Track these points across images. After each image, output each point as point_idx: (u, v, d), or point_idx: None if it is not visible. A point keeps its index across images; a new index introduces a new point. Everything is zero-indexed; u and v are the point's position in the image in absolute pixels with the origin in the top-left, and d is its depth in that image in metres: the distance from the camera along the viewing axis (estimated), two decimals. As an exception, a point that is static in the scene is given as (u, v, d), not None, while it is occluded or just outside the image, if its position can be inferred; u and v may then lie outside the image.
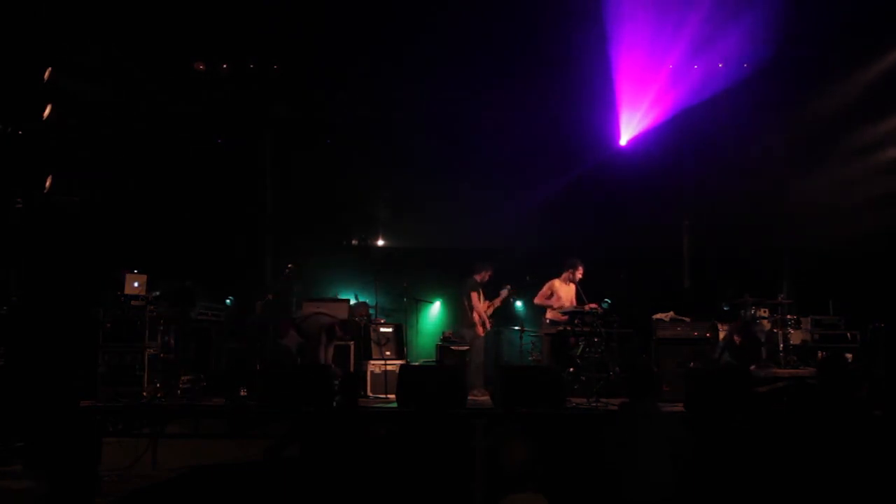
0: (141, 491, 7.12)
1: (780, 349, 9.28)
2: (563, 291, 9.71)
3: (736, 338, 8.86)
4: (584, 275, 9.70)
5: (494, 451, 3.06)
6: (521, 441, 3.10)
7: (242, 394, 7.83)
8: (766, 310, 9.61)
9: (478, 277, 9.84)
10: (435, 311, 11.81)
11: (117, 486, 7.16)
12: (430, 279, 11.39)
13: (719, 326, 9.35)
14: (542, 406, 7.04)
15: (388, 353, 9.88)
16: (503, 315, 10.86)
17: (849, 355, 8.99)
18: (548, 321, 9.71)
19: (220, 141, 11.87)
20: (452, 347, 9.70)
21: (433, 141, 11.53)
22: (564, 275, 9.76)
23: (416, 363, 10.10)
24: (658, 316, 9.50)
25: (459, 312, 9.96)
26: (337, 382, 7.46)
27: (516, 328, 10.34)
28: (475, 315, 9.68)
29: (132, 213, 10.12)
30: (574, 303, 9.61)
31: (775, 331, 9.43)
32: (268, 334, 9.53)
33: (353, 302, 10.32)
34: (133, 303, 7.99)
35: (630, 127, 11.54)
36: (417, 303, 11.03)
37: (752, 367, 8.44)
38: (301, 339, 9.15)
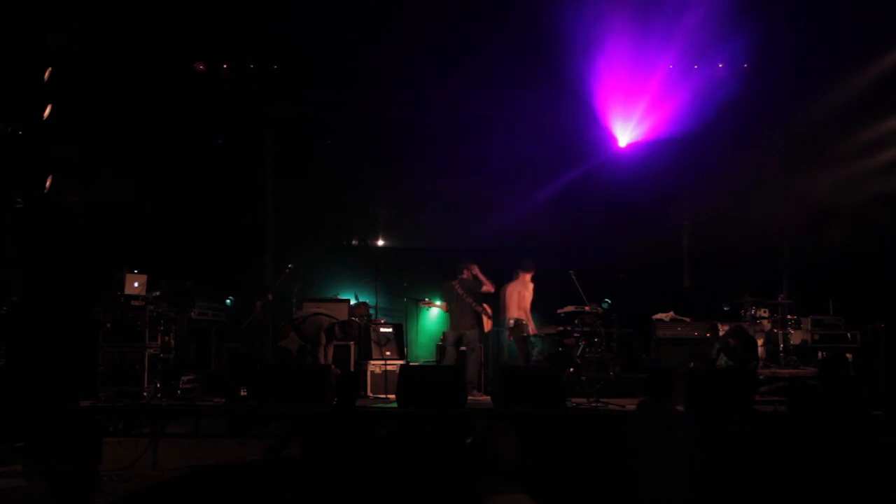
0: (141, 491, 7.12)
1: (780, 349, 9.29)
2: (507, 292, 9.76)
3: (731, 340, 8.86)
4: (582, 275, 9.67)
5: (479, 449, 3.02)
6: (506, 440, 3.07)
7: (242, 394, 7.83)
8: (766, 310, 9.61)
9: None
10: (435, 311, 11.79)
11: (117, 486, 7.16)
12: (430, 279, 11.39)
13: (719, 326, 9.35)
14: (542, 406, 7.03)
15: (388, 353, 9.88)
16: (503, 315, 10.85)
17: (849, 355, 8.99)
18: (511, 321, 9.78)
19: (220, 141, 11.87)
20: (461, 348, 9.62)
21: (433, 141, 11.52)
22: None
23: (416, 363, 10.09)
24: (658, 316, 9.52)
25: (461, 313, 9.66)
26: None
27: (516, 328, 10.33)
28: (484, 313, 9.67)
29: (132, 213, 10.11)
30: (519, 305, 9.63)
31: (775, 331, 9.44)
32: (267, 335, 9.54)
33: (353, 302, 10.32)
34: (133, 303, 7.99)
35: (630, 128, 11.54)
36: (417, 303, 11.03)
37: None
38: (301, 340, 9.16)
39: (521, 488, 3.03)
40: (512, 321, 9.68)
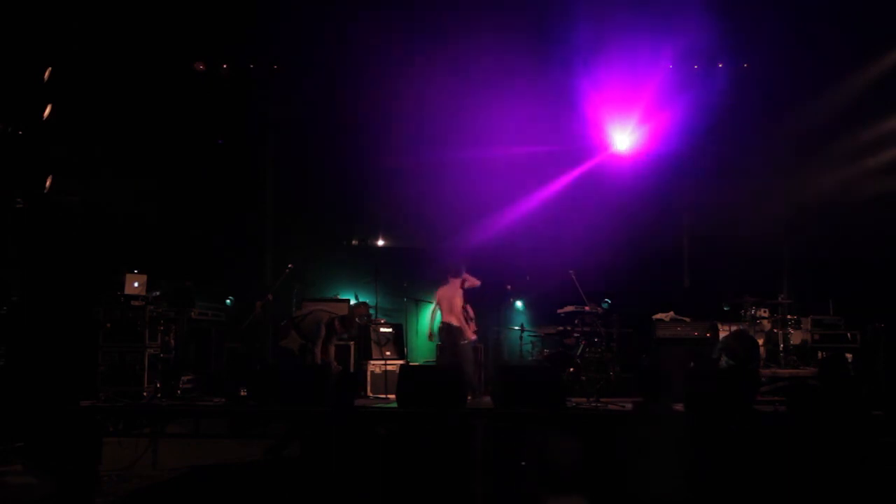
0: (141, 491, 7.12)
1: (780, 349, 9.29)
2: (437, 296, 9.65)
3: (732, 344, 8.85)
4: (581, 275, 9.68)
5: (543, 452, 2.98)
6: (570, 445, 3.01)
7: (242, 394, 7.83)
8: (766, 310, 9.61)
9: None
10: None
11: (117, 486, 7.16)
12: (430, 279, 11.38)
13: (719, 326, 9.35)
14: (542, 406, 7.03)
15: (388, 353, 9.89)
16: (503, 315, 10.86)
17: (849, 355, 8.99)
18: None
19: (220, 141, 11.87)
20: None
21: (434, 140, 11.51)
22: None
23: (416, 363, 10.10)
24: (658, 316, 9.51)
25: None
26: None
27: (516, 328, 10.34)
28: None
29: (132, 213, 10.10)
30: (451, 310, 9.47)
31: (775, 331, 9.43)
32: (267, 335, 9.54)
33: (353, 302, 10.33)
34: (133, 303, 7.99)
35: (630, 129, 11.53)
36: (417, 303, 11.03)
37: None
38: (301, 338, 9.16)
39: (579, 491, 2.97)
40: (443, 325, 9.51)
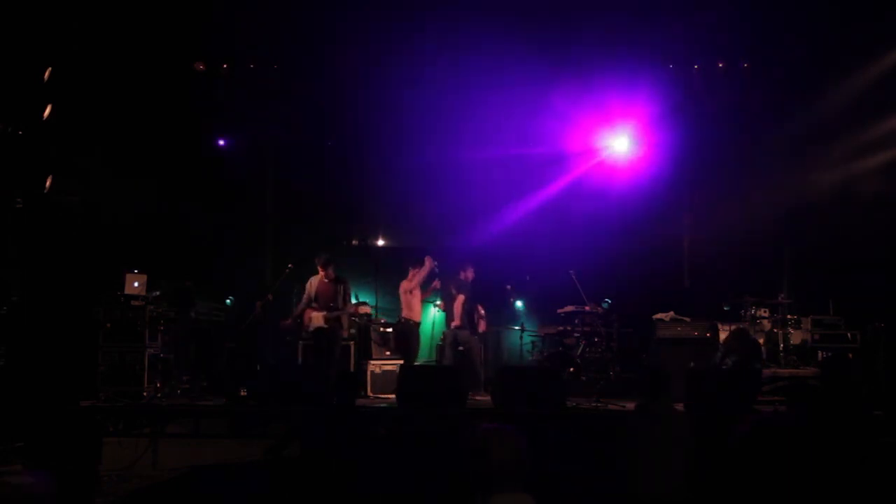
0: (141, 491, 7.11)
1: (780, 349, 9.29)
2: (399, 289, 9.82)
3: (734, 344, 8.86)
4: (581, 275, 9.70)
5: (484, 448, 3.00)
6: (511, 439, 3.05)
7: (242, 394, 7.83)
8: (766, 310, 9.61)
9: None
10: (434, 311, 11.77)
11: (117, 486, 7.16)
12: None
13: (719, 326, 9.34)
14: (542, 406, 7.03)
15: (387, 353, 9.89)
16: (503, 315, 10.86)
17: (849, 355, 8.99)
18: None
19: (220, 142, 11.86)
20: (459, 348, 9.66)
21: (434, 141, 11.50)
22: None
23: (417, 363, 10.10)
24: (658, 316, 9.51)
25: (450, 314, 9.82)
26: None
27: (516, 328, 10.33)
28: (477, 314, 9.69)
29: (132, 213, 10.10)
30: (406, 304, 9.66)
31: (775, 331, 9.44)
32: (268, 335, 9.55)
33: (353, 302, 10.32)
34: (133, 303, 7.99)
35: (630, 129, 11.52)
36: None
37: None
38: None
39: (522, 488, 3.00)
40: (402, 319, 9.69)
